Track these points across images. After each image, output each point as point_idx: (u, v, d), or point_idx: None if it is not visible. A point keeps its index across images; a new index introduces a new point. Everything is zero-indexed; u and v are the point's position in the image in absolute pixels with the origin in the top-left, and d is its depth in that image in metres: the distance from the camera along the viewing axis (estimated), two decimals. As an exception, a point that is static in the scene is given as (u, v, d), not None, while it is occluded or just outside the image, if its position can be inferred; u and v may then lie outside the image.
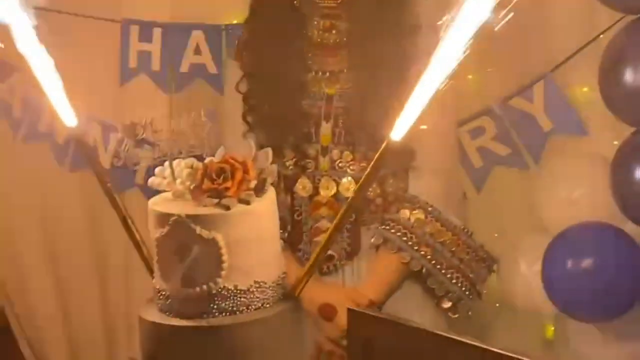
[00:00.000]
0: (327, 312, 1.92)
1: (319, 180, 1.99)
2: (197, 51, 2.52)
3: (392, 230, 1.95)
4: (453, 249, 1.97)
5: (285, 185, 1.99)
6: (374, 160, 1.37)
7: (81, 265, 2.80)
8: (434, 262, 1.95)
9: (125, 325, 2.75)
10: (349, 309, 1.16)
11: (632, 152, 1.88)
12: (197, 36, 2.52)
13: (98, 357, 2.81)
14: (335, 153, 1.98)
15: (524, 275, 2.26)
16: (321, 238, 1.98)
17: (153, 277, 1.49)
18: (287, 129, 1.98)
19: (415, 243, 1.94)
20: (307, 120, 1.98)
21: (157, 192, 2.61)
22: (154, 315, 1.45)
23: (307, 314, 2.02)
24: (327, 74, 1.99)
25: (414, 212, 1.96)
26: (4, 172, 2.75)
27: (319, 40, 1.99)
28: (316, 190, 1.99)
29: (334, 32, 1.97)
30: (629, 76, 1.87)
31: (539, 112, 2.28)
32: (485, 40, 2.20)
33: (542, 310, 2.22)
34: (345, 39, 1.97)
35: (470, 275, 1.99)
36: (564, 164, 2.24)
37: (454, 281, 1.97)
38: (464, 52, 1.29)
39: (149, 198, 2.58)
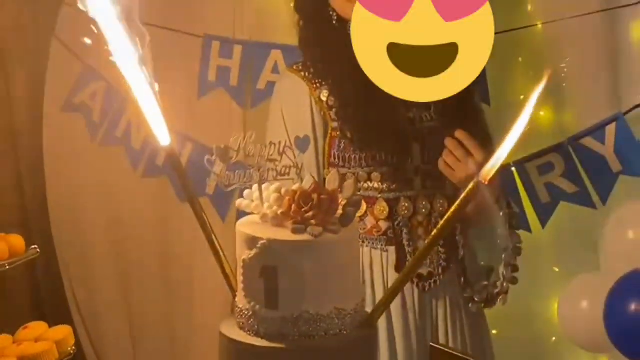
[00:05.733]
0: None
1: (415, 200, 2.03)
2: (275, 70, 2.60)
3: None
4: None
5: (390, 207, 2.02)
6: (461, 198, 1.41)
7: (146, 266, 2.89)
8: None
9: (187, 325, 2.83)
10: (431, 346, 1.20)
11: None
12: (276, 55, 2.60)
13: (157, 353, 2.89)
14: (426, 173, 2.02)
15: (581, 313, 2.28)
16: None
17: (234, 295, 1.55)
18: (387, 151, 2.00)
19: None
20: (401, 141, 2.01)
21: (223, 203, 2.71)
22: (234, 333, 1.50)
23: None
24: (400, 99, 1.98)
25: None
26: (80, 171, 2.85)
27: None
28: (415, 211, 2.03)
29: None
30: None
31: (609, 153, 2.31)
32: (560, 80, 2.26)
33: (600, 351, 2.24)
34: None
35: None
36: (632, 206, 2.25)
37: None
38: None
39: (217, 208, 2.69)
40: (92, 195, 2.86)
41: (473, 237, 2.03)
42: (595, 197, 2.34)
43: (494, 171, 1.38)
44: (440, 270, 2.04)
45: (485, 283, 2.02)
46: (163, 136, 1.64)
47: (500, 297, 2.02)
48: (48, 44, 2.86)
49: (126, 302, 2.91)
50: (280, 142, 1.54)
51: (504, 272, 1.99)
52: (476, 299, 2.04)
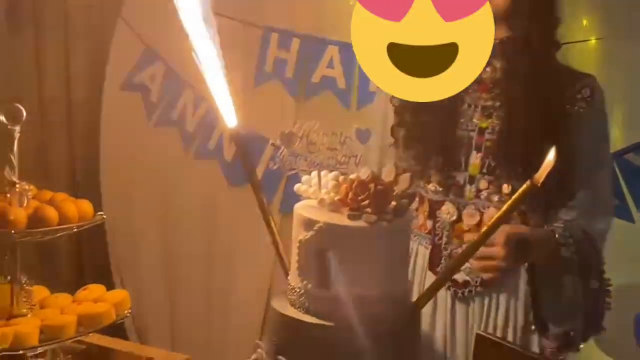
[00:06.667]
0: None
1: (464, 207, 2.03)
2: (330, 65, 2.67)
3: None
4: None
5: (430, 207, 2.06)
6: (515, 196, 1.48)
7: (190, 245, 2.98)
8: None
9: (223, 306, 2.92)
10: (477, 334, 1.27)
11: None
12: (332, 51, 2.67)
13: (196, 332, 2.98)
14: (482, 183, 2.01)
15: (614, 324, 2.33)
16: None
17: (287, 274, 1.63)
18: (437, 154, 2.02)
19: None
20: (458, 148, 2.02)
21: (270, 188, 2.79)
22: (285, 308, 1.58)
23: None
24: (480, 108, 2.02)
25: None
26: (133, 148, 2.95)
27: None
28: (460, 217, 2.04)
29: (488, 69, 1.98)
30: None
31: (651, 171, 2.36)
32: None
33: (628, 360, 2.30)
34: (499, 76, 1.99)
35: None
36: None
37: None
38: None
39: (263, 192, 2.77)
40: (144, 171, 2.96)
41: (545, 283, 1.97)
42: (634, 212, 2.39)
43: (545, 173, 1.45)
44: (477, 282, 2.01)
45: (568, 330, 1.92)
46: (230, 118, 1.73)
47: (577, 347, 1.95)
48: (110, 23, 2.96)
49: (167, 275, 3.00)
50: (341, 132, 1.62)
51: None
52: (549, 348, 1.94)
